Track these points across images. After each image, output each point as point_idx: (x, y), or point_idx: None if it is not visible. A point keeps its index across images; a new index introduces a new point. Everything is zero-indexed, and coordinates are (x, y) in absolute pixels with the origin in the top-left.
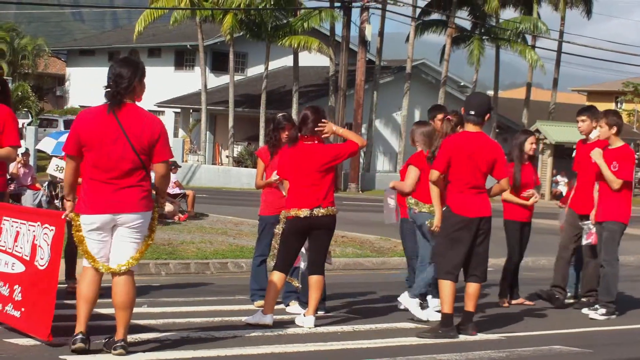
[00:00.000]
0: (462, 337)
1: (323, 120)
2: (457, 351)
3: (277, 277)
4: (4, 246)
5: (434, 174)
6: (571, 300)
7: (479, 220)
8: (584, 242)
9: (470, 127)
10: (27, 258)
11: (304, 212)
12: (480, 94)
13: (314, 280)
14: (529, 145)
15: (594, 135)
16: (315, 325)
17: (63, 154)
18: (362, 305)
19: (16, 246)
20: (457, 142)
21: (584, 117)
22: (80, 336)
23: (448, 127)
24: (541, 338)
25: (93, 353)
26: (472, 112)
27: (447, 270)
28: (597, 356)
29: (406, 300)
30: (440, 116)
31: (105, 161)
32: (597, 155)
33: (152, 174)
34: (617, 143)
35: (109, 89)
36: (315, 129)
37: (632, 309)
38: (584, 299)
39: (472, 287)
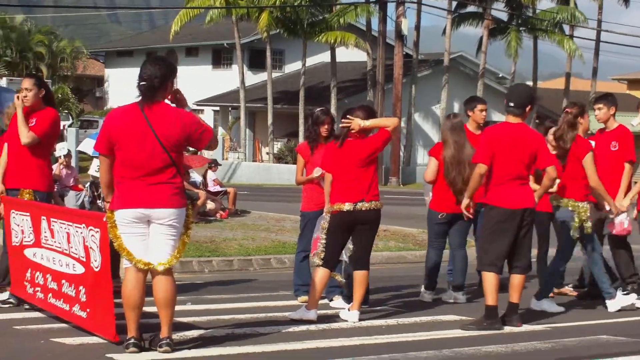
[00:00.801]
0: (507, 329)
1: (348, 117)
2: (502, 342)
3: (322, 272)
4: (59, 247)
5: (482, 168)
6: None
7: (522, 211)
8: (606, 231)
9: (510, 119)
10: (84, 260)
11: (347, 206)
12: (522, 85)
13: (359, 275)
14: (551, 137)
15: (635, 122)
16: (360, 320)
17: None
18: (406, 298)
19: (71, 247)
20: (498, 133)
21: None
22: (132, 340)
23: (567, 118)
24: (587, 328)
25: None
26: (512, 104)
27: (490, 262)
28: None
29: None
30: (480, 107)
31: (134, 159)
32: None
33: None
34: (614, 124)
35: (142, 85)
36: (340, 125)
37: None
38: (628, 287)
39: (517, 279)
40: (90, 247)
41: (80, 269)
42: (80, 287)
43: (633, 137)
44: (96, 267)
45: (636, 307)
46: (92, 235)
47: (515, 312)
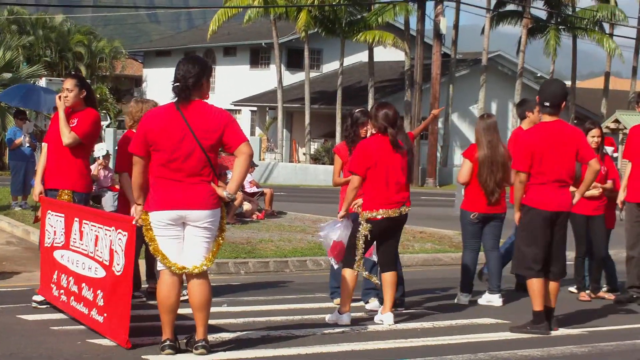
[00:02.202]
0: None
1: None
2: (539, 346)
3: (349, 274)
4: (85, 250)
5: (522, 176)
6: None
7: (557, 214)
8: None
9: (546, 118)
10: (107, 263)
11: (394, 213)
12: (553, 82)
13: (388, 277)
14: (590, 139)
15: None
16: (395, 322)
17: None
18: (442, 301)
19: (97, 250)
20: (536, 135)
21: None
22: (168, 343)
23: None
24: (624, 332)
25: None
26: (547, 104)
27: (527, 266)
28: None
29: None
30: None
31: (172, 159)
32: None
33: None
34: None
35: (177, 84)
36: None
37: None
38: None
39: (552, 285)
40: (115, 251)
41: (101, 273)
42: (98, 291)
43: None
44: (118, 271)
45: None
46: (120, 239)
47: (552, 317)
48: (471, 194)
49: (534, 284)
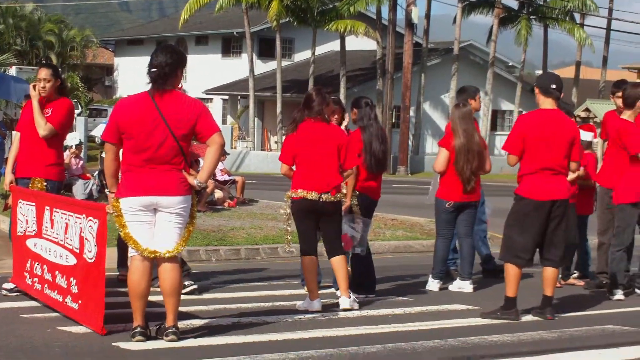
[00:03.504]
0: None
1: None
2: (509, 332)
3: (307, 261)
4: (57, 238)
5: (512, 160)
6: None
7: (551, 203)
8: None
9: (547, 104)
10: (77, 251)
11: (312, 195)
12: (552, 72)
13: (334, 262)
14: None
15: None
16: (366, 308)
17: None
18: (413, 287)
19: (67, 238)
20: (532, 120)
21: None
22: (139, 329)
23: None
24: (594, 318)
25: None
26: (554, 86)
27: (515, 254)
28: None
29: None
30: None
31: (145, 148)
32: None
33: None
34: None
35: (152, 72)
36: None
37: None
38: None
39: (548, 272)
40: (86, 238)
41: (72, 260)
42: (72, 279)
43: None
44: (90, 259)
45: None
46: (90, 226)
47: (549, 305)
48: (447, 182)
49: (511, 270)
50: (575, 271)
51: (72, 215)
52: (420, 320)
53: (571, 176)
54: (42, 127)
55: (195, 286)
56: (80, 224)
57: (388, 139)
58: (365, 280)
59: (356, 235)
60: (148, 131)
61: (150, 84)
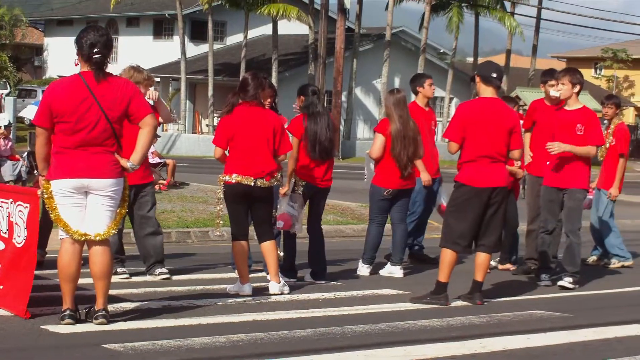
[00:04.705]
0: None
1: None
2: (439, 317)
3: (238, 245)
4: None
5: (453, 147)
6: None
7: (490, 190)
8: None
9: (488, 92)
10: (6, 236)
11: (247, 180)
12: (491, 62)
13: (264, 247)
14: None
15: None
16: (297, 293)
17: None
18: (344, 272)
19: None
20: (472, 109)
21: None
22: (68, 312)
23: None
24: (522, 303)
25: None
26: (495, 75)
27: (453, 240)
28: (577, 320)
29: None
30: (429, 81)
31: (77, 130)
32: (561, 147)
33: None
34: (577, 104)
35: (97, 55)
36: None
37: (609, 274)
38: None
39: (481, 257)
40: (16, 223)
41: (0, 245)
42: None
43: (599, 120)
44: (19, 243)
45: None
46: (20, 211)
47: (478, 290)
48: (384, 169)
49: (448, 256)
50: (514, 257)
51: (1, 200)
52: (351, 305)
53: (515, 167)
54: None
55: (127, 274)
56: (8, 208)
57: (336, 126)
58: (316, 266)
59: (295, 215)
60: (81, 113)
61: (89, 67)
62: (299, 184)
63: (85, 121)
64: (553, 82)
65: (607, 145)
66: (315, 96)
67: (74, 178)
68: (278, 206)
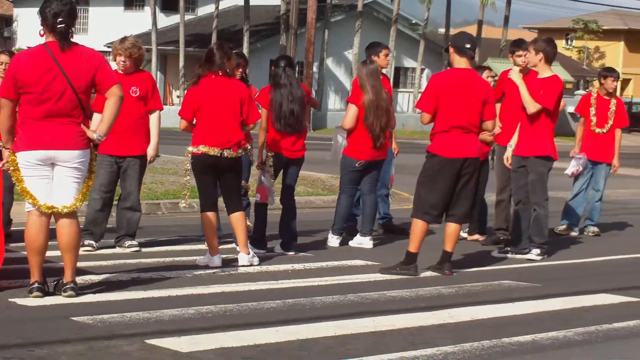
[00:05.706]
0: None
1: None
2: (408, 287)
3: (207, 216)
4: None
5: (425, 118)
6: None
7: (462, 161)
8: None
9: (462, 63)
10: None
11: (214, 151)
12: (465, 32)
13: (233, 218)
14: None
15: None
16: (267, 264)
17: None
18: (314, 243)
19: None
20: (445, 80)
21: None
22: (36, 285)
23: None
24: (491, 273)
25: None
26: (468, 46)
27: (424, 210)
28: (545, 290)
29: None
30: (385, 52)
31: (43, 100)
32: (515, 75)
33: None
34: (547, 73)
35: (61, 25)
36: None
37: (577, 244)
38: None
39: (451, 228)
40: None
41: None
42: None
43: (562, 90)
44: None
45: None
46: None
47: (447, 261)
48: (356, 140)
49: (419, 226)
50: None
51: None
52: (320, 276)
53: (486, 134)
54: None
55: (94, 247)
56: None
57: (308, 98)
58: (286, 237)
59: (272, 187)
60: (46, 83)
61: (54, 37)
62: (268, 155)
63: (51, 91)
64: (520, 52)
65: (611, 122)
66: (281, 68)
67: (40, 150)
68: (259, 178)
